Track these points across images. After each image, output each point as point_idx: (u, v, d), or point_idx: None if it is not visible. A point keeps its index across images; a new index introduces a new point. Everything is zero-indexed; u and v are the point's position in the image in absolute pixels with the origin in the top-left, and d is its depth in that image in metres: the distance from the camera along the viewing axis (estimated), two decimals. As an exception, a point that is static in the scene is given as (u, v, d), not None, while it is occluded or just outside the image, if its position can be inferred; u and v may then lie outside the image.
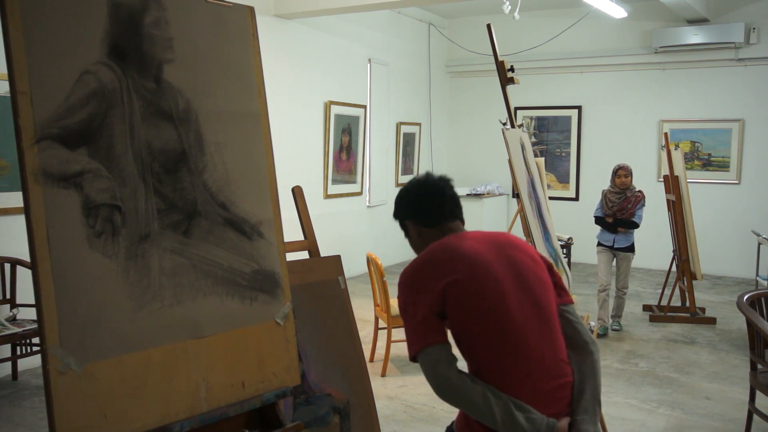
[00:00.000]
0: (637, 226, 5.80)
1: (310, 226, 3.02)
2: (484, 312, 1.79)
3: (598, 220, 5.95)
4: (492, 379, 1.78)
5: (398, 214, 2.11)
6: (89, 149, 1.66)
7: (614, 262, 5.96)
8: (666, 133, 6.74)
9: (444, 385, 1.77)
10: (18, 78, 1.55)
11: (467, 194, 9.52)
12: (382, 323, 5.00)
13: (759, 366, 3.58)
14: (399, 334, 5.47)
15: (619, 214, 5.80)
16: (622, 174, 5.83)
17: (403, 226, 2.12)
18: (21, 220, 1.77)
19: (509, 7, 6.61)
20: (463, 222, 2.07)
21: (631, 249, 5.87)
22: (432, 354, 1.78)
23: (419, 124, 9.59)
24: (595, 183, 9.17)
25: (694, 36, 8.19)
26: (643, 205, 5.84)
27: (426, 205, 2.04)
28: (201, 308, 1.84)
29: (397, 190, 9.89)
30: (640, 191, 5.88)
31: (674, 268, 6.53)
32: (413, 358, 1.82)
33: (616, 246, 5.83)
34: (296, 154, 7.21)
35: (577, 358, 1.92)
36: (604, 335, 5.84)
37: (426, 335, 1.80)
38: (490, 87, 9.75)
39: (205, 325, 1.85)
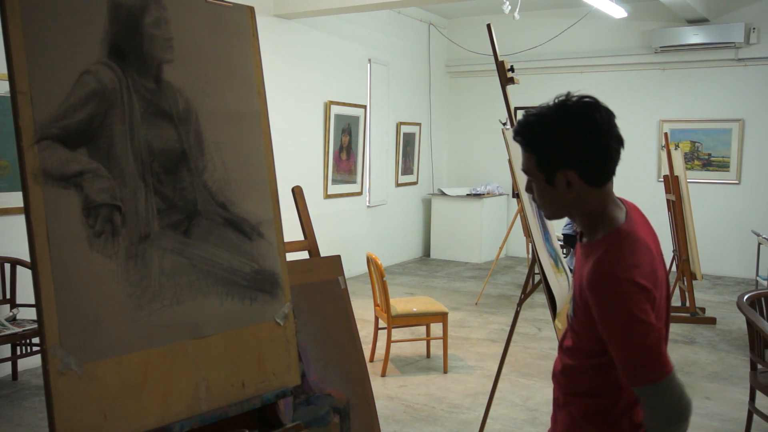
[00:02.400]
0: None
1: (310, 226, 3.03)
2: None
3: (569, 240, 4.52)
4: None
5: (555, 160, 1.48)
6: (89, 149, 1.66)
7: None
8: (666, 133, 6.74)
9: (688, 413, 1.41)
10: (18, 78, 1.55)
11: (467, 194, 9.53)
12: (382, 323, 5.00)
13: (759, 366, 3.58)
14: (399, 334, 5.47)
15: None
16: None
17: (551, 175, 1.50)
18: (21, 220, 1.77)
19: (509, 7, 6.61)
20: None
21: None
22: (677, 379, 1.41)
23: (419, 124, 9.59)
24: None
25: (694, 36, 8.19)
26: None
27: (602, 152, 1.48)
28: (201, 308, 1.84)
29: (397, 191, 9.90)
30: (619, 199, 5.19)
31: (674, 268, 6.53)
32: (652, 381, 1.39)
33: None
34: (296, 154, 7.21)
35: None
36: None
37: (667, 355, 1.42)
38: (490, 87, 9.75)
39: (205, 325, 1.85)
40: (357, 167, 8.29)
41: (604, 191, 1.54)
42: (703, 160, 8.67)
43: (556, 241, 3.64)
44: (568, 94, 1.51)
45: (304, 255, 3.00)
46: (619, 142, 1.51)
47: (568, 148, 1.47)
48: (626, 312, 1.40)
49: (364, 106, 8.30)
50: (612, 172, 1.53)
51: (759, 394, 3.64)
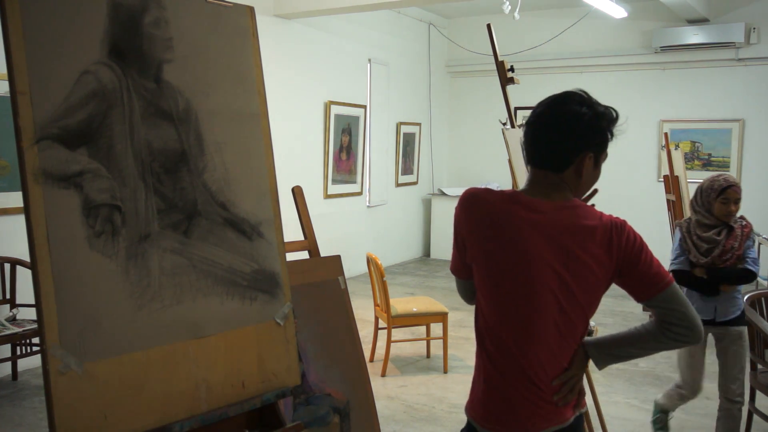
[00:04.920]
0: (754, 276, 3.39)
1: (310, 226, 3.02)
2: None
3: (681, 277, 3.40)
4: None
5: (584, 144, 1.68)
6: (89, 149, 1.66)
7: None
8: (666, 133, 6.74)
9: (463, 300, 1.97)
10: (18, 78, 1.55)
11: (467, 194, 9.52)
12: (382, 323, 5.00)
13: (759, 366, 3.57)
14: (399, 334, 5.47)
15: (718, 262, 3.38)
16: (733, 195, 3.42)
17: (581, 159, 1.69)
18: (21, 220, 1.77)
19: (509, 7, 6.61)
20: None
21: (741, 320, 3.42)
22: (460, 282, 1.95)
23: (419, 124, 9.59)
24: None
25: (694, 36, 8.19)
26: (751, 239, 3.59)
27: (525, 137, 1.77)
28: (201, 308, 1.84)
29: (397, 190, 9.88)
30: (742, 217, 3.63)
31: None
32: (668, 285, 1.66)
33: (719, 319, 3.39)
34: (296, 154, 7.21)
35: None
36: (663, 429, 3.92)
37: (458, 269, 1.91)
38: (490, 87, 9.75)
39: (205, 325, 1.85)
40: (357, 167, 8.29)
41: (532, 172, 1.75)
42: (703, 160, 8.67)
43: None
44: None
45: (304, 255, 3.00)
46: (539, 130, 1.70)
47: (593, 132, 1.71)
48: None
49: (364, 106, 8.30)
50: (530, 157, 1.74)
51: (759, 394, 3.64)
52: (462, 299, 1.93)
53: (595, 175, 1.74)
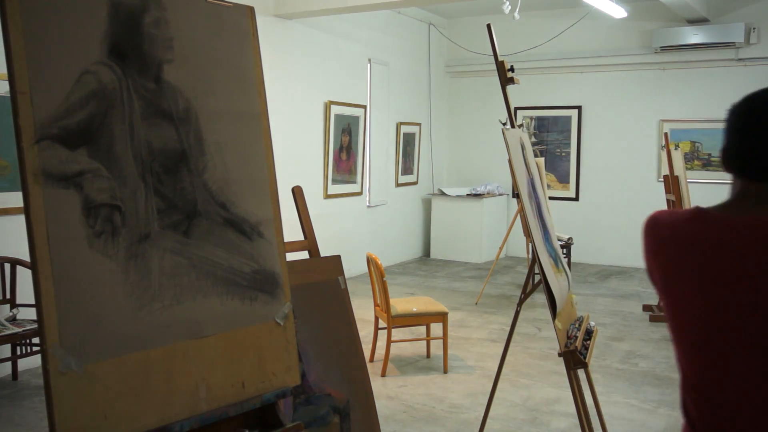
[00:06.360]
0: None
1: (310, 226, 3.03)
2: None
3: None
4: None
5: None
6: (89, 149, 1.66)
7: None
8: (666, 133, 6.74)
9: None
10: (18, 78, 1.55)
11: (467, 194, 9.53)
12: (382, 323, 5.00)
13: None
14: (399, 334, 5.47)
15: None
16: None
17: None
18: (21, 220, 1.77)
19: (509, 7, 6.61)
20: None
21: None
22: None
23: (419, 124, 9.59)
24: (595, 183, 9.18)
25: (694, 36, 8.20)
26: None
27: None
28: (201, 308, 1.84)
29: (397, 190, 9.87)
30: None
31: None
32: None
33: None
34: (296, 154, 7.21)
35: None
36: None
37: None
38: (490, 87, 9.75)
39: (205, 325, 1.85)
40: (357, 167, 8.29)
41: (742, 185, 1.33)
42: (703, 160, 8.68)
43: (556, 241, 3.64)
44: None
45: (304, 255, 3.00)
46: (761, 131, 1.32)
47: None
48: None
49: (364, 106, 8.30)
50: (744, 166, 1.32)
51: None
52: None
53: None
